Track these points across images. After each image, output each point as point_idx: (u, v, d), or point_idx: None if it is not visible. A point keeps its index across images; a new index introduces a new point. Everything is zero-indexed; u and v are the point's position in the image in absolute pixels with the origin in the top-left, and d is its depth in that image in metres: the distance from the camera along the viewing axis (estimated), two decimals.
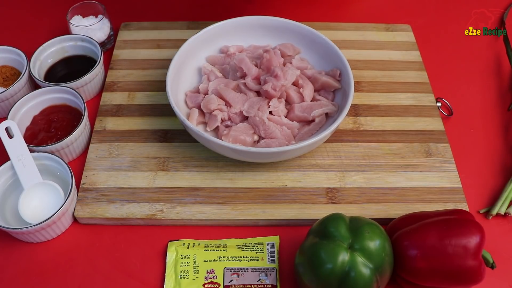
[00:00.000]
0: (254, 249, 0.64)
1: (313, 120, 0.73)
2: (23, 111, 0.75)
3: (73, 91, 0.76)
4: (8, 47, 0.82)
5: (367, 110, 0.80)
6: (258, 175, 0.71)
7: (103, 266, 0.64)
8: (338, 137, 0.76)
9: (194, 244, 0.65)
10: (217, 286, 0.61)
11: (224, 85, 0.75)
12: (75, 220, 0.68)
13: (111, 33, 0.91)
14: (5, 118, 0.71)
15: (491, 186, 0.72)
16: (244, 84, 0.76)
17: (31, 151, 0.68)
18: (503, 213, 0.68)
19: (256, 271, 0.62)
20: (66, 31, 0.87)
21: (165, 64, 0.79)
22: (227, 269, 0.62)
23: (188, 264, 0.63)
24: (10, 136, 0.69)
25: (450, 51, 0.91)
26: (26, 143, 0.69)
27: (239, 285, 0.61)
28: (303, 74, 0.77)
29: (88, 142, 0.76)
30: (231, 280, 0.62)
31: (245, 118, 0.74)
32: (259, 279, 0.62)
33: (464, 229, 0.57)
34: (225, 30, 0.82)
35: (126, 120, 0.78)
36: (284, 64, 0.78)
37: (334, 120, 0.69)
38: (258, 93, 0.75)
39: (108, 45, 0.91)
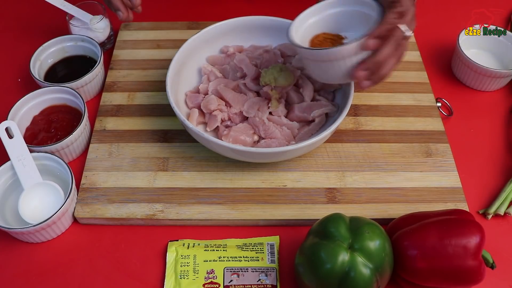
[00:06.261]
0: (254, 249, 0.64)
1: (313, 120, 0.73)
2: (23, 111, 0.75)
3: (73, 91, 0.76)
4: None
5: (367, 110, 0.80)
6: (258, 175, 0.71)
7: (103, 266, 0.64)
8: (338, 137, 0.75)
9: (194, 244, 0.65)
10: (217, 286, 0.61)
11: (224, 85, 0.75)
12: (75, 220, 0.68)
13: (111, 33, 0.91)
14: (5, 118, 0.71)
15: (491, 186, 0.72)
16: (244, 84, 0.76)
17: (31, 151, 0.68)
18: (502, 213, 0.68)
19: (256, 271, 0.62)
20: (66, 31, 0.87)
21: (165, 64, 0.79)
22: (227, 269, 0.62)
23: (188, 264, 0.63)
24: (10, 136, 0.69)
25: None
26: (26, 143, 0.69)
27: (239, 285, 0.61)
28: (303, 74, 0.77)
29: (88, 142, 0.76)
30: (231, 280, 0.62)
31: (245, 118, 0.74)
32: (259, 279, 0.62)
33: (464, 229, 0.57)
34: (225, 30, 0.82)
35: (126, 120, 0.78)
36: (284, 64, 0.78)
37: (334, 120, 0.69)
38: (258, 93, 0.75)
39: (108, 45, 0.91)
